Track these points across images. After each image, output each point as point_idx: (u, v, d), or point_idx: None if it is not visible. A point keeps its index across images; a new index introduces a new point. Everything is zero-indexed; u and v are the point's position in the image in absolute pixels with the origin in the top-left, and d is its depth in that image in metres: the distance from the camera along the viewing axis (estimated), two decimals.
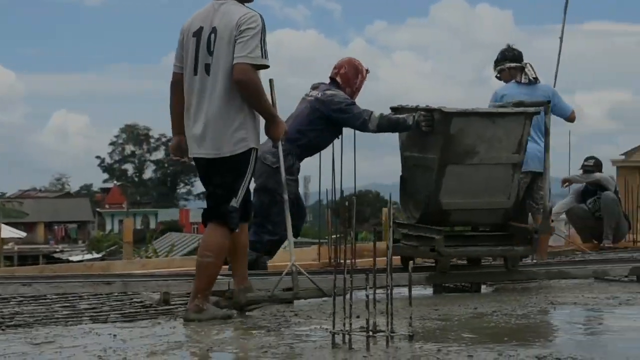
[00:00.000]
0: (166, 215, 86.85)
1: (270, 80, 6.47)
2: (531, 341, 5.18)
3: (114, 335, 5.47)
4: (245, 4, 6.25)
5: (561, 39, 11.34)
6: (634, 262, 8.90)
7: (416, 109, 8.00)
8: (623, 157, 61.45)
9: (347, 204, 5.28)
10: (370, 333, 4.92)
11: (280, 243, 8.46)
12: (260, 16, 6.08)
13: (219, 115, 6.08)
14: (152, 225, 79.35)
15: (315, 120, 8.35)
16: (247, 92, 6.04)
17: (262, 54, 6.01)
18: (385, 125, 8.13)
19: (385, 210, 12.85)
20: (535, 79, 9.63)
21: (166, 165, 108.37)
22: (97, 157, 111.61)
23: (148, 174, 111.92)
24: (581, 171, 12.82)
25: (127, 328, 5.80)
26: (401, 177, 8.38)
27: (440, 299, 7.15)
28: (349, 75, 8.54)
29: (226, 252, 6.25)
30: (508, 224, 8.14)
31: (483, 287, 7.97)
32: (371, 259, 5.19)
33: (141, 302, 7.02)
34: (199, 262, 6.13)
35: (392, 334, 4.96)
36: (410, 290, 4.98)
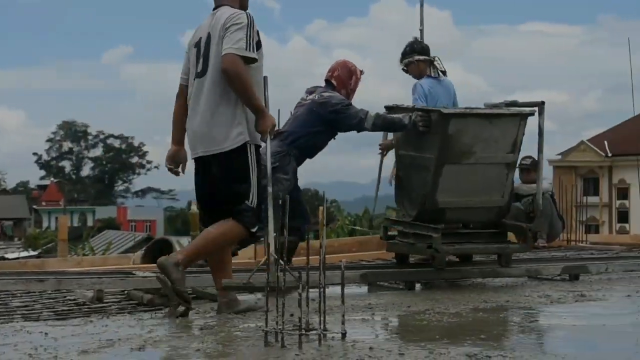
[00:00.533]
0: (104, 212, 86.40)
1: (265, 78, 6.49)
2: (462, 339, 5.22)
3: (46, 334, 5.43)
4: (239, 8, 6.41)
5: (421, 30, 11.46)
6: (567, 261, 9.02)
7: (413, 109, 8.16)
8: (559, 157, 61.97)
9: (280, 202, 5.29)
10: (303, 331, 4.94)
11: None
12: (248, 14, 6.26)
13: (213, 112, 6.25)
14: (90, 222, 78.83)
15: (313, 122, 8.53)
16: (232, 82, 6.16)
17: (246, 46, 6.14)
18: (381, 124, 8.34)
19: (321, 208, 12.87)
20: (444, 72, 9.67)
21: (104, 162, 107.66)
22: (34, 153, 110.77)
23: (86, 171, 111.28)
24: (518, 170, 12.91)
25: (59, 326, 5.76)
26: (396, 175, 8.56)
27: (374, 298, 7.17)
28: (343, 78, 8.78)
29: (229, 243, 6.40)
30: (501, 222, 8.35)
31: (417, 285, 8.02)
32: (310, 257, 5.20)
33: (74, 300, 6.98)
34: (205, 231, 6.28)
35: (324, 332, 4.97)
36: (342, 289, 5.00)
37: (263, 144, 6.46)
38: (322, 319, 4.95)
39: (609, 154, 63.28)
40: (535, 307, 6.70)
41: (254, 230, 6.31)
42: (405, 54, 9.76)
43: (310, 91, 8.84)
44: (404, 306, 6.67)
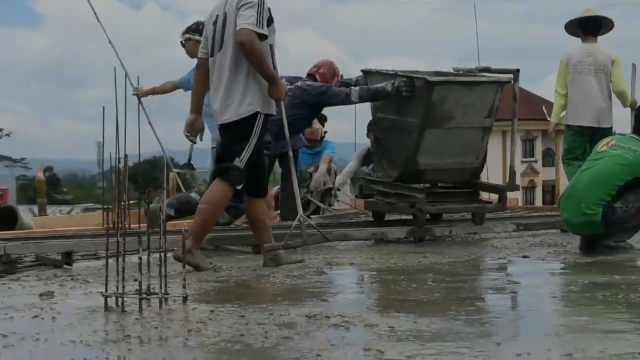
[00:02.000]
0: None
1: (271, 45, 6.86)
2: (304, 301, 5.29)
3: None
4: None
5: None
6: (412, 224, 9.15)
7: (395, 75, 8.57)
8: None
9: (120, 168, 5.26)
10: (144, 295, 4.92)
11: None
12: None
13: (228, 83, 6.75)
14: None
15: (297, 105, 9.02)
16: (248, 54, 6.63)
17: (257, 22, 6.61)
18: (366, 95, 8.80)
19: (171, 175, 12.78)
20: None
21: None
22: None
23: None
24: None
25: None
26: (375, 137, 9.14)
27: (220, 261, 7.17)
28: (327, 76, 9.51)
29: (224, 205, 7.03)
30: (474, 182, 9.02)
31: None
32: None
33: None
34: (197, 209, 6.85)
35: (165, 296, 4.97)
36: (183, 252, 4.99)
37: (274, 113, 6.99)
38: (162, 282, 4.94)
39: None
40: (377, 269, 6.80)
41: (239, 187, 6.81)
42: (190, 30, 9.95)
43: (291, 81, 9.25)
44: (250, 270, 6.70)
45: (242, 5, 6.65)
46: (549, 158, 65.14)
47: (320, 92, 8.97)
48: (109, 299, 4.94)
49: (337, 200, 12.99)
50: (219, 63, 6.82)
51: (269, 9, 6.76)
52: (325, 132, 12.19)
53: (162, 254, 4.95)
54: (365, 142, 13.23)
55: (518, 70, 8.93)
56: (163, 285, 4.95)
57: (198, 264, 6.64)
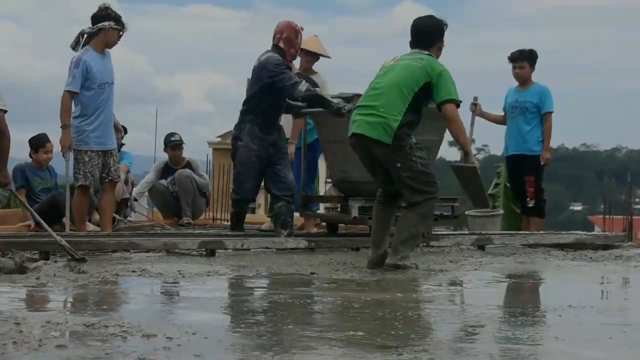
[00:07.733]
0: None
1: None
2: (85, 309, 5.23)
3: None
4: None
5: None
6: (205, 236, 9.15)
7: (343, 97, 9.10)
8: (219, 139, 62.77)
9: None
10: None
11: (244, 202, 9.65)
12: None
13: None
14: None
15: (259, 85, 9.19)
16: None
17: None
18: (309, 96, 9.02)
19: None
20: None
21: None
22: None
23: None
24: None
25: None
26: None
27: None
28: (291, 38, 9.36)
29: None
30: None
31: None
32: None
33: None
34: None
35: None
36: None
37: None
38: None
39: None
40: (168, 280, 6.75)
41: None
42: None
43: (259, 58, 9.36)
44: (33, 278, 6.55)
45: None
46: None
47: (275, 72, 9.05)
48: None
49: (134, 212, 12.90)
50: None
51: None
52: (123, 144, 12.02)
53: None
54: (164, 156, 13.20)
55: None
56: None
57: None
